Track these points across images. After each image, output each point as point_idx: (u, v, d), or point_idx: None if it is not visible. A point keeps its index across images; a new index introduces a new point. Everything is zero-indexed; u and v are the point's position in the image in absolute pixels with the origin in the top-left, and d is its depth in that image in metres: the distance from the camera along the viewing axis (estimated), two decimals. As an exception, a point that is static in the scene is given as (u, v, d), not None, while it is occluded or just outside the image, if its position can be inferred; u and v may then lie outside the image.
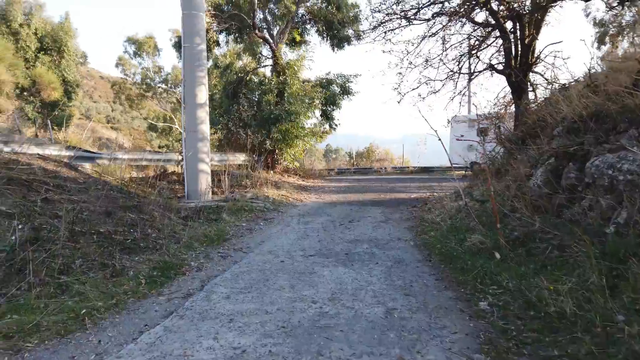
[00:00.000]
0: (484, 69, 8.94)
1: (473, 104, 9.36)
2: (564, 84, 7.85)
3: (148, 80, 32.70)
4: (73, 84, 28.65)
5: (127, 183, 8.31)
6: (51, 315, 3.36)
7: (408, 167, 26.35)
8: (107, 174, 8.75)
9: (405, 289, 4.21)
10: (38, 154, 7.33)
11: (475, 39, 9.02)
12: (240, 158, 16.01)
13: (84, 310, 3.51)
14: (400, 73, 9.30)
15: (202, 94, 9.40)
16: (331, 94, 17.99)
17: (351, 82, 18.50)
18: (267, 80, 17.53)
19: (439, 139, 7.23)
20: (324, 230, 7.30)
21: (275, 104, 16.26)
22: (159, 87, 33.42)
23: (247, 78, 17.80)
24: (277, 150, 16.67)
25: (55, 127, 22.51)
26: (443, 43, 8.98)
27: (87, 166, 9.90)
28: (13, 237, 4.20)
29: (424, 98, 9.34)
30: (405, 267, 5.05)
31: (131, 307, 3.79)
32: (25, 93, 24.71)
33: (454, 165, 8.12)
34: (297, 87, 16.33)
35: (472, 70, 8.95)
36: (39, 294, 3.67)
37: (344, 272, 4.83)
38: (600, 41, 22.17)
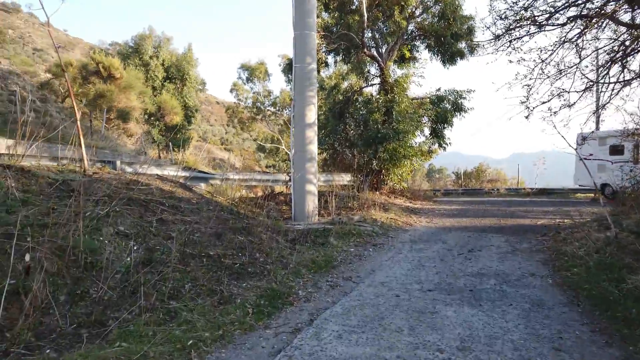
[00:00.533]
0: (634, 78, 7.58)
1: (630, 113, 8.01)
2: None
3: (258, 103, 34.23)
4: (193, 109, 31.25)
5: (236, 203, 8.37)
6: (158, 345, 3.20)
7: (524, 189, 24.07)
8: (219, 193, 8.93)
9: (554, 342, 3.50)
10: (157, 175, 7.66)
11: (620, 43, 7.72)
12: (345, 178, 15.76)
13: (190, 342, 3.33)
14: (528, 85, 8.25)
15: (312, 114, 9.27)
16: (442, 110, 17.08)
17: (464, 98, 17.43)
18: (373, 99, 17.18)
19: (581, 159, 6.26)
20: (440, 260, 6.57)
21: (382, 122, 15.76)
22: (267, 109, 34.83)
23: (354, 97, 17.61)
24: (383, 171, 16.10)
25: (175, 149, 24.45)
26: (581, 50, 7.79)
27: (202, 186, 10.27)
28: (129, 258, 4.20)
29: (555, 112, 8.17)
30: (548, 311, 4.25)
31: (237, 340, 3.53)
32: (152, 118, 27.34)
33: (587, 186, 6.94)
34: (405, 105, 15.72)
35: (617, 79, 7.64)
36: (148, 320, 3.56)
37: (472, 313, 4.16)
38: None
